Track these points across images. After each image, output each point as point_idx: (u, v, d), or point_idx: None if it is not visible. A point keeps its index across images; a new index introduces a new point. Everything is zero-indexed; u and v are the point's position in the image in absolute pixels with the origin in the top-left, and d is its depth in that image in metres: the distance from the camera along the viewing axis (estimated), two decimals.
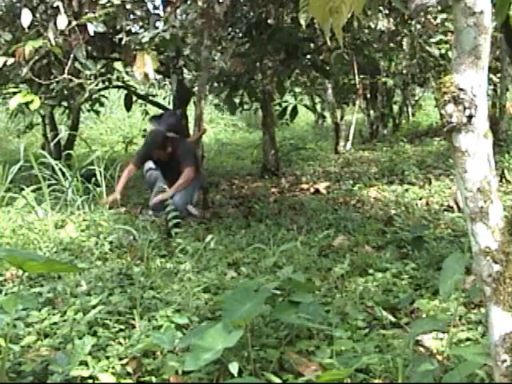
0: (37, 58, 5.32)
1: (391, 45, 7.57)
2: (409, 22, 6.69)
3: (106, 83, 7.61)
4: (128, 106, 8.02)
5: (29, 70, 5.37)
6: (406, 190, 6.21)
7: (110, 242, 4.37)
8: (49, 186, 5.57)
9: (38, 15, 5.49)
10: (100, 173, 5.80)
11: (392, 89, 11.07)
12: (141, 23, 5.49)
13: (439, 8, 6.39)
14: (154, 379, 2.18)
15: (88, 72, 5.48)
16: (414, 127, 12.43)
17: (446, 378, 1.97)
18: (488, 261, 1.50)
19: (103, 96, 8.54)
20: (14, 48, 4.99)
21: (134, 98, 8.37)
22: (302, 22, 2.10)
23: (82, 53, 5.22)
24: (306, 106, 12.26)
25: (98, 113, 9.18)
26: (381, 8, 6.35)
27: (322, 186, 6.75)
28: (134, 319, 2.72)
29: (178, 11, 5.09)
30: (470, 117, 1.47)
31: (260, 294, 2.27)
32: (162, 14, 5.81)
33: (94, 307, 2.76)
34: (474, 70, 1.48)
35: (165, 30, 4.78)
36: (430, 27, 6.73)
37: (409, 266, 3.51)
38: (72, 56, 5.25)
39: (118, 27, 5.27)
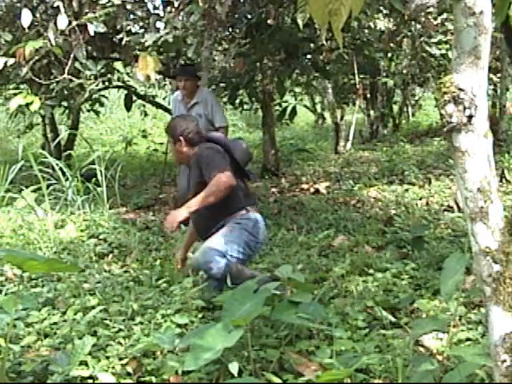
0: (37, 58, 5.31)
1: (391, 45, 7.57)
2: (409, 22, 6.68)
3: (106, 83, 7.61)
4: (128, 106, 8.02)
5: (29, 70, 5.36)
6: (406, 190, 6.21)
7: (110, 243, 4.38)
8: (49, 185, 5.57)
9: (38, 15, 5.48)
10: (101, 172, 5.80)
11: (392, 89, 11.06)
12: (141, 23, 5.48)
13: (442, 7, 6.39)
14: (153, 379, 2.18)
15: (88, 72, 5.48)
16: (414, 127, 12.43)
17: (445, 378, 1.97)
18: (488, 261, 1.50)
19: (103, 96, 8.54)
20: (15, 48, 4.98)
21: (134, 98, 8.37)
22: (300, 22, 2.11)
23: (82, 53, 5.22)
24: (305, 106, 12.32)
25: (97, 113, 9.16)
26: (381, 8, 6.34)
27: (322, 186, 6.74)
28: (133, 319, 2.72)
29: (181, 12, 5.07)
30: (470, 117, 1.47)
31: (260, 294, 2.27)
32: (162, 14, 5.81)
33: (93, 307, 2.76)
34: (474, 69, 1.48)
35: (167, 33, 4.77)
36: (430, 27, 6.72)
37: (409, 266, 3.50)
38: (72, 56, 5.24)
39: (118, 27, 5.27)
